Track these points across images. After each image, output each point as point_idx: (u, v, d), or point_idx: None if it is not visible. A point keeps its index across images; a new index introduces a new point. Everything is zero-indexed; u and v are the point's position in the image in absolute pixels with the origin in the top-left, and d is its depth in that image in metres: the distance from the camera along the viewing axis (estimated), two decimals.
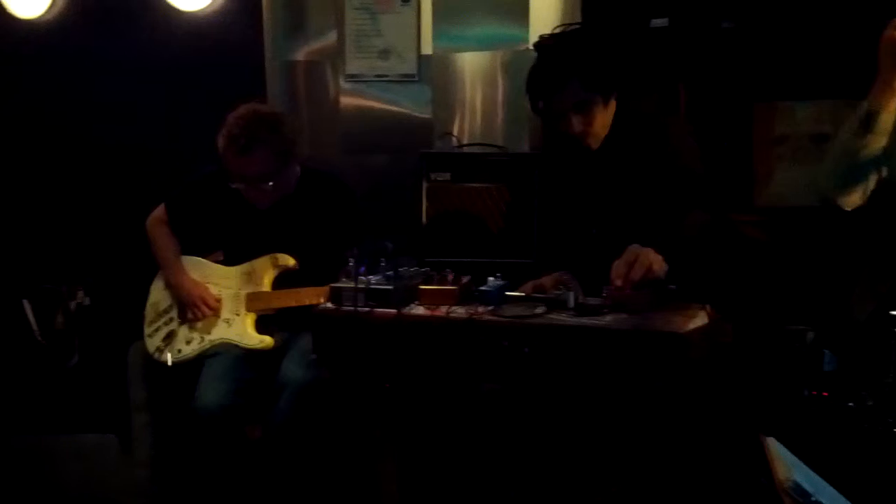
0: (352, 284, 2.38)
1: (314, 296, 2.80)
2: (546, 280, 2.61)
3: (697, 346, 2.15)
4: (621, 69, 2.66)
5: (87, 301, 3.60)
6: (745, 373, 2.27)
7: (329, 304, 2.45)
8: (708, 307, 2.26)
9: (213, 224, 3.13)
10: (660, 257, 2.33)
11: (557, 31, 3.16)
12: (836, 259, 2.83)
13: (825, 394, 2.15)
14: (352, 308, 2.37)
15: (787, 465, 1.77)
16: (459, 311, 2.34)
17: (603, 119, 2.61)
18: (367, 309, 2.38)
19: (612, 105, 2.63)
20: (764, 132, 3.18)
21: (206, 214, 3.12)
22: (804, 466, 1.82)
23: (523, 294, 2.45)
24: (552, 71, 2.57)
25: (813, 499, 1.67)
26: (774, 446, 1.85)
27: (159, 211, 3.16)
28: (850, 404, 2.11)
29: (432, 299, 2.40)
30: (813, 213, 2.96)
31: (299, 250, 3.02)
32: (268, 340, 2.98)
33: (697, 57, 3.15)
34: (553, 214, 2.87)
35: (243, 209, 3.04)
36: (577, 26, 3.13)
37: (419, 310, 2.38)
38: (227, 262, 3.14)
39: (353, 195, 3.15)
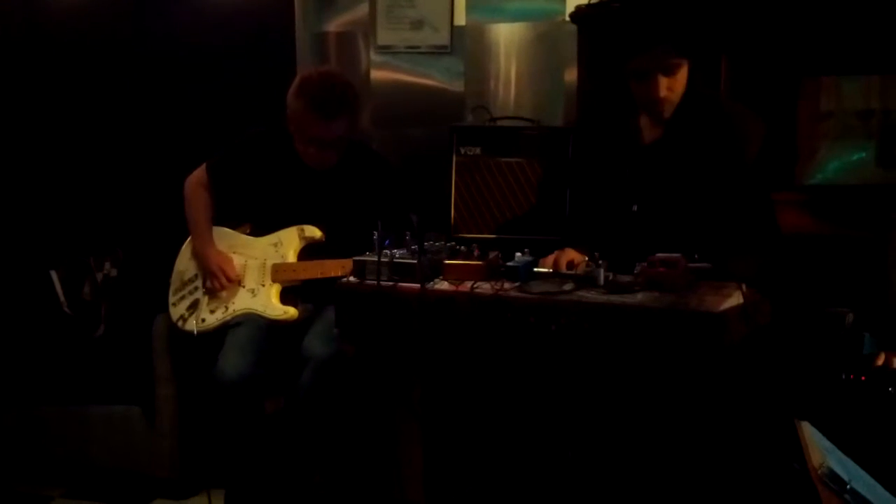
0: (375, 258, 2.33)
1: (339, 268, 2.78)
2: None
3: (733, 327, 2.08)
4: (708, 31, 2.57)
5: (114, 272, 3.61)
6: (782, 355, 2.19)
7: (352, 278, 2.41)
8: (744, 286, 2.18)
9: (256, 184, 3.10)
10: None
11: (595, 0, 3.10)
12: (879, 239, 2.73)
13: (863, 378, 2.07)
14: (375, 282, 2.32)
15: (821, 451, 1.70)
16: (485, 287, 2.28)
17: (683, 85, 2.53)
18: (390, 283, 2.33)
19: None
20: (809, 108, 3.07)
21: (251, 174, 3.09)
22: (839, 453, 1.75)
23: (551, 270, 2.39)
24: (644, 28, 2.46)
25: (848, 486, 1.60)
26: (809, 431, 1.78)
27: (199, 172, 3.14)
28: (890, 389, 2.03)
29: (457, 274, 2.35)
30: (856, 192, 2.86)
31: (337, 218, 3.01)
32: (292, 312, 2.97)
33: (741, 29, 3.04)
34: (589, 188, 2.79)
35: (297, 169, 3.02)
36: None
37: (444, 285, 2.33)
38: (257, 229, 3.12)
39: (399, 177, 3.14)
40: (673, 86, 2.50)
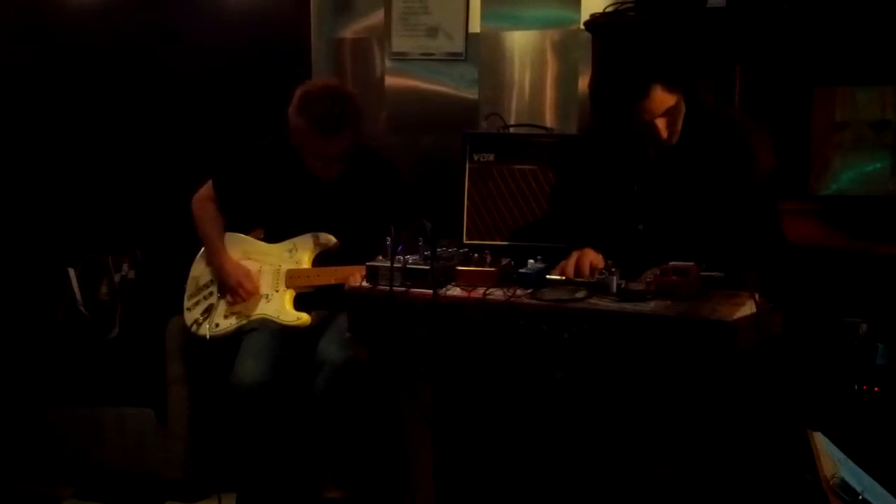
0: (388, 263, 2.34)
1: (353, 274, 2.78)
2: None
3: (745, 336, 2.07)
4: (694, 57, 2.57)
5: (131, 274, 3.61)
6: (795, 365, 2.19)
7: (365, 283, 2.42)
8: (757, 295, 2.17)
9: (265, 196, 3.10)
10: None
11: (610, 9, 3.11)
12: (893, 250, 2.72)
13: (876, 389, 2.06)
14: (387, 287, 2.33)
15: (834, 461, 1.70)
16: (497, 294, 2.28)
17: (681, 113, 2.52)
18: (402, 289, 2.34)
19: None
20: (823, 118, 3.06)
21: (257, 187, 3.10)
22: (852, 463, 1.74)
23: (564, 277, 2.38)
24: (632, 79, 2.42)
25: (860, 497, 1.60)
26: (822, 442, 1.78)
27: (205, 189, 3.16)
28: None
29: (469, 280, 2.35)
30: (869, 202, 2.85)
31: (348, 225, 3.01)
32: (305, 318, 2.97)
33: (756, 39, 3.04)
34: (595, 204, 2.77)
35: (304, 180, 3.02)
36: (631, 5, 3.08)
37: (456, 291, 2.33)
38: (270, 236, 3.13)
39: (404, 180, 3.14)
40: (673, 121, 2.48)
